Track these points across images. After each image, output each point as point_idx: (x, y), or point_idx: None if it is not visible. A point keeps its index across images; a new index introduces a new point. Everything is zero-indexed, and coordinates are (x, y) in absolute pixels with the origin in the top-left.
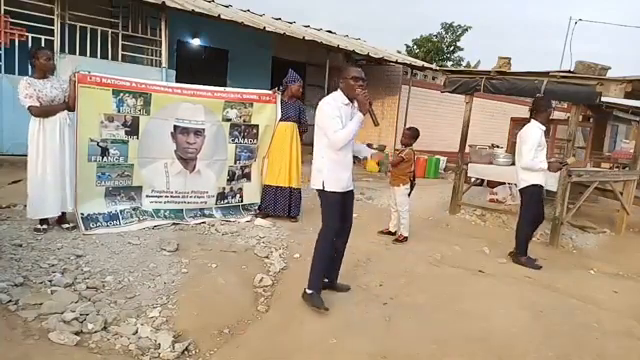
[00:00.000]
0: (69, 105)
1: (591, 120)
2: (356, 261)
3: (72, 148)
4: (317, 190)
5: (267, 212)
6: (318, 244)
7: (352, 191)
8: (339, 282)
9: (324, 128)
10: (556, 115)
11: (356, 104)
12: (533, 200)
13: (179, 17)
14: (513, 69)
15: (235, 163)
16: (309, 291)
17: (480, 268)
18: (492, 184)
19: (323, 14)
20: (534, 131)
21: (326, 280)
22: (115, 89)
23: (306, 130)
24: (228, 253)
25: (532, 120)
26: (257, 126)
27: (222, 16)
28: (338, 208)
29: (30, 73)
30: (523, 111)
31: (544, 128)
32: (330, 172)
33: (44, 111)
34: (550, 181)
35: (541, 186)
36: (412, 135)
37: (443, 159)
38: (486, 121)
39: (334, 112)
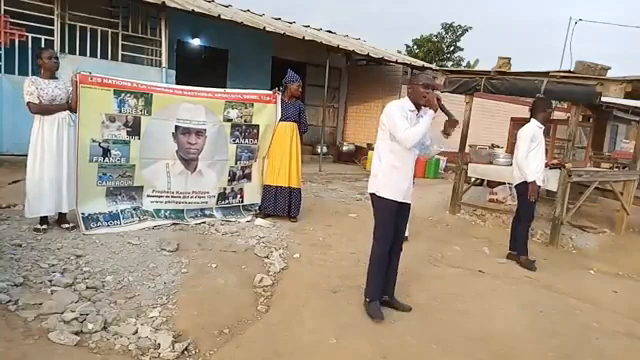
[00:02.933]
0: (71, 106)
1: (591, 120)
2: (356, 261)
3: (72, 148)
4: (370, 194)
5: (267, 212)
6: (372, 254)
7: (409, 205)
8: (399, 300)
9: (393, 129)
10: (556, 115)
11: (422, 112)
12: (526, 198)
13: (179, 17)
14: (513, 69)
15: (236, 163)
16: (368, 299)
17: (480, 268)
18: (492, 184)
19: (323, 14)
20: (529, 128)
21: (385, 297)
22: (116, 89)
23: (306, 130)
24: (228, 253)
25: (532, 119)
26: (258, 126)
27: (222, 16)
28: (392, 217)
29: (31, 73)
30: (523, 111)
31: (542, 127)
32: (387, 178)
33: (42, 109)
34: (550, 181)
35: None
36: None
37: (443, 159)
38: (486, 121)
39: (402, 113)
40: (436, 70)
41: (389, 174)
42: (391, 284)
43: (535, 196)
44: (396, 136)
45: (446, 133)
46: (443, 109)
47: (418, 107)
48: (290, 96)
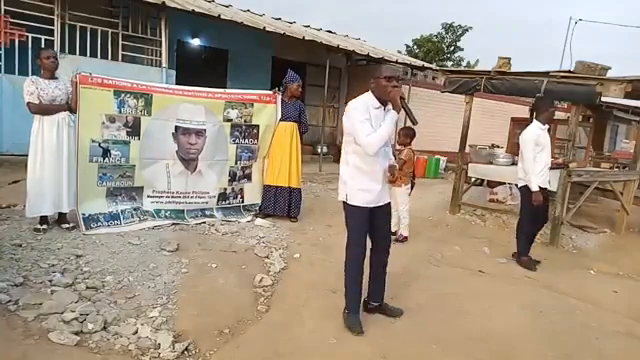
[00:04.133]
0: (71, 107)
1: (591, 120)
2: None
3: (72, 149)
4: (342, 202)
5: (267, 212)
6: (346, 262)
7: (387, 205)
8: (391, 305)
9: (353, 134)
10: (556, 115)
11: (389, 107)
12: (530, 203)
13: (179, 17)
14: (513, 69)
15: (236, 163)
16: (347, 311)
17: (480, 268)
18: (492, 184)
19: (323, 14)
20: (531, 132)
21: (374, 303)
22: (116, 90)
23: (306, 130)
24: (228, 253)
25: (534, 120)
26: (258, 126)
27: (222, 16)
28: (364, 225)
29: (31, 73)
30: (523, 111)
31: (545, 127)
32: (355, 183)
33: (41, 109)
34: (550, 181)
35: (541, 187)
36: (407, 134)
37: (443, 159)
38: (486, 121)
39: (363, 115)
40: (436, 70)
41: (358, 179)
42: (380, 289)
43: (539, 203)
44: (357, 141)
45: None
46: (405, 109)
47: (383, 103)
48: (290, 96)
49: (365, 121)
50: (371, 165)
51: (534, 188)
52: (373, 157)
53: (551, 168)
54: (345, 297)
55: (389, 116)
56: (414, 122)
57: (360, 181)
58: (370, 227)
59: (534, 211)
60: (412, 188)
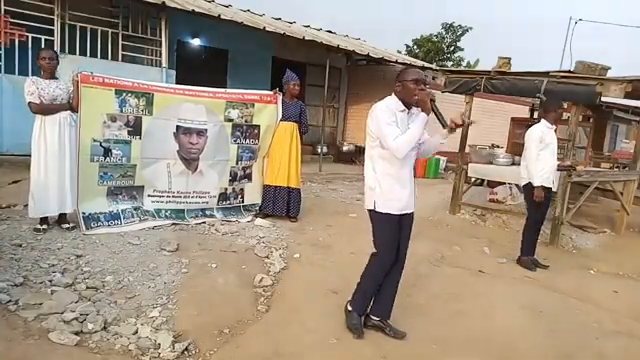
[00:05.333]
0: (72, 106)
1: (591, 120)
2: (356, 261)
3: (73, 148)
4: (369, 211)
5: (266, 212)
6: (368, 267)
7: (412, 215)
8: (394, 325)
9: (381, 137)
10: None
11: (414, 110)
12: (532, 199)
13: (179, 17)
14: (513, 69)
15: (237, 163)
16: (350, 308)
17: (480, 268)
18: (492, 184)
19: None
20: (537, 129)
21: (376, 319)
22: (118, 89)
23: (307, 131)
24: (228, 253)
25: (541, 120)
26: (258, 126)
27: (222, 16)
28: (393, 231)
29: (31, 73)
30: (523, 111)
31: (551, 127)
32: (385, 190)
33: (43, 109)
34: (554, 182)
35: (544, 186)
36: None
37: (443, 159)
38: (486, 121)
39: (390, 118)
40: (436, 70)
41: (387, 185)
42: (387, 305)
43: (541, 199)
44: (385, 145)
45: (451, 128)
46: (435, 112)
47: (408, 106)
48: (290, 96)
49: (392, 123)
50: (400, 170)
51: (536, 183)
52: (401, 161)
53: (558, 169)
54: (354, 298)
55: (419, 118)
56: (444, 125)
57: (390, 188)
58: None
59: (539, 209)
60: None
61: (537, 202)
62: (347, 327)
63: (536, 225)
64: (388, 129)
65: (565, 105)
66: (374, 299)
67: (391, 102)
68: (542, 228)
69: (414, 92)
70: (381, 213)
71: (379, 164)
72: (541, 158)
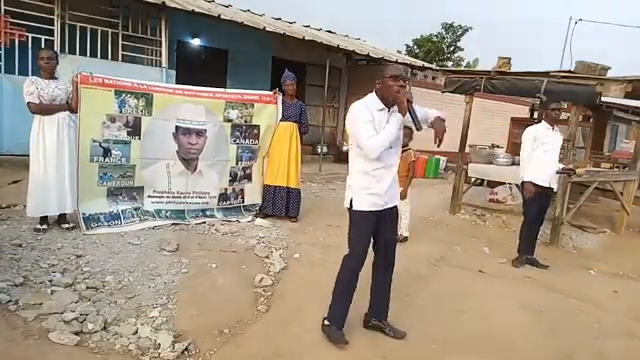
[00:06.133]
0: (72, 106)
1: (591, 120)
2: None
3: (72, 149)
4: (347, 209)
5: (266, 212)
6: (340, 272)
7: (394, 209)
8: (393, 325)
9: (355, 136)
10: None
11: (394, 109)
12: (525, 197)
13: (179, 17)
14: (513, 69)
15: (237, 164)
16: (327, 322)
17: (480, 268)
18: (492, 184)
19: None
20: (532, 128)
21: (375, 321)
22: (117, 90)
23: (307, 131)
24: (228, 253)
25: (542, 121)
26: (258, 127)
27: (222, 16)
28: (368, 232)
29: (31, 73)
30: (523, 111)
31: (549, 127)
32: (360, 187)
33: (42, 109)
34: (552, 181)
35: (537, 185)
36: (405, 134)
37: (443, 159)
38: (486, 121)
39: (366, 117)
40: (436, 70)
41: (363, 183)
42: (383, 305)
43: (530, 193)
44: (358, 144)
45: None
46: (411, 113)
47: (388, 104)
48: (289, 95)
49: (368, 123)
50: (377, 168)
51: (526, 178)
52: (380, 160)
53: (558, 172)
54: (330, 308)
55: (393, 119)
56: (418, 128)
57: (366, 184)
58: (375, 235)
59: (534, 207)
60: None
61: (530, 199)
62: (329, 340)
63: (532, 224)
64: (362, 129)
65: (565, 105)
66: (371, 301)
67: (370, 100)
68: (541, 228)
69: (393, 89)
70: (357, 211)
71: (357, 162)
72: (535, 157)
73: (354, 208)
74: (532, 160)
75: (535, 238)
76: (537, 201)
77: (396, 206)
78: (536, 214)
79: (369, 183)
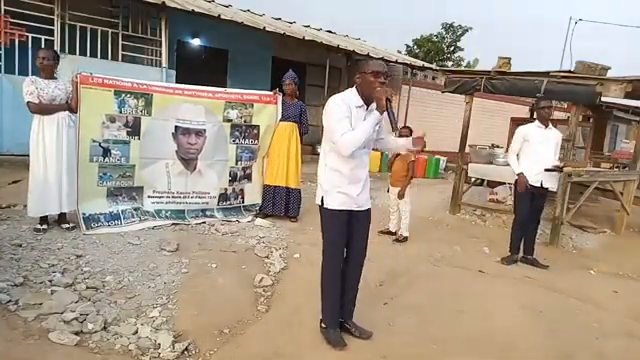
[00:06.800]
0: (72, 106)
1: (591, 120)
2: None
3: (71, 148)
4: (318, 207)
5: (266, 212)
6: (322, 273)
7: (367, 212)
8: (359, 324)
9: (330, 131)
10: (556, 115)
11: (372, 107)
12: (516, 193)
13: (179, 17)
14: (513, 69)
15: (236, 164)
16: (324, 325)
17: (480, 268)
18: (492, 184)
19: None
20: (521, 128)
21: (340, 320)
22: (117, 90)
23: (307, 131)
24: (228, 253)
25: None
26: (258, 127)
27: (222, 16)
28: (342, 232)
29: (31, 73)
30: (523, 111)
31: (540, 126)
32: (332, 185)
33: (42, 109)
34: (550, 181)
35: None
36: (404, 134)
37: (443, 159)
38: (486, 121)
39: (342, 113)
40: (436, 70)
41: (335, 180)
42: (349, 305)
43: (521, 188)
44: (332, 140)
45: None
46: (389, 112)
47: (367, 101)
48: (289, 95)
49: (344, 119)
50: (349, 167)
51: (517, 171)
52: (350, 159)
53: (546, 170)
54: (322, 311)
55: (370, 117)
56: (394, 128)
57: (338, 183)
58: (347, 236)
59: (523, 206)
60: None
61: (520, 196)
62: (328, 343)
63: (521, 223)
64: (337, 124)
65: (558, 104)
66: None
67: (349, 96)
68: (542, 228)
69: (373, 85)
70: (328, 209)
71: (330, 158)
72: (525, 155)
73: (326, 206)
74: (520, 158)
75: (532, 238)
76: (527, 199)
77: (370, 210)
78: (527, 213)
79: (343, 182)
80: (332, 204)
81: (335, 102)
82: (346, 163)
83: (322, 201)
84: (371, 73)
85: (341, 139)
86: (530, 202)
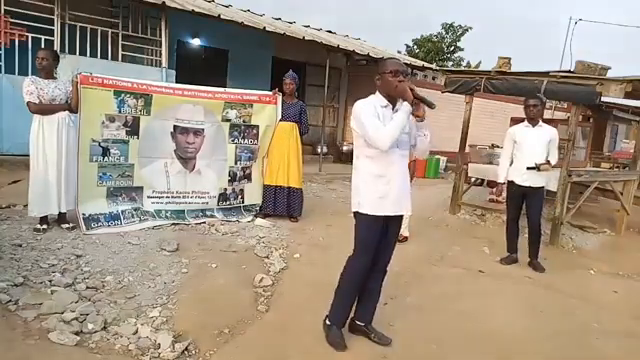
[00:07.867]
0: (72, 106)
1: (591, 120)
2: None
3: (72, 149)
4: (354, 212)
5: (267, 212)
6: (344, 273)
7: (400, 218)
8: (379, 330)
9: (362, 131)
10: (556, 115)
11: (399, 106)
12: (508, 194)
13: (179, 17)
14: (513, 69)
15: (236, 164)
16: (328, 322)
17: (480, 268)
18: (492, 184)
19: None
20: (509, 129)
21: (360, 324)
22: (116, 90)
23: (307, 131)
24: (228, 253)
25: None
26: (257, 127)
27: (222, 16)
28: (376, 236)
29: (31, 73)
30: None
31: (528, 125)
32: (369, 189)
33: (42, 109)
34: (550, 181)
35: (514, 183)
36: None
37: (443, 159)
38: (486, 121)
39: (370, 112)
40: (436, 70)
41: (371, 185)
42: (370, 309)
43: (506, 196)
44: (367, 138)
45: (416, 115)
46: (418, 98)
47: (392, 101)
48: (289, 95)
49: (374, 116)
50: (386, 168)
51: (500, 180)
52: (387, 159)
53: (528, 168)
54: (332, 308)
55: (402, 109)
56: (431, 106)
57: (374, 187)
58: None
59: (511, 206)
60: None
61: (509, 198)
62: (327, 342)
63: (509, 222)
64: (368, 121)
65: (558, 104)
66: (357, 303)
67: (374, 99)
68: (541, 228)
69: (394, 84)
70: (365, 214)
71: (364, 164)
72: (518, 157)
73: (364, 211)
74: (515, 160)
75: (535, 240)
76: (517, 199)
77: (402, 216)
78: (515, 212)
79: (379, 186)
80: (370, 209)
81: (360, 105)
82: (382, 165)
83: (359, 206)
84: (390, 73)
85: (376, 134)
86: (522, 202)
